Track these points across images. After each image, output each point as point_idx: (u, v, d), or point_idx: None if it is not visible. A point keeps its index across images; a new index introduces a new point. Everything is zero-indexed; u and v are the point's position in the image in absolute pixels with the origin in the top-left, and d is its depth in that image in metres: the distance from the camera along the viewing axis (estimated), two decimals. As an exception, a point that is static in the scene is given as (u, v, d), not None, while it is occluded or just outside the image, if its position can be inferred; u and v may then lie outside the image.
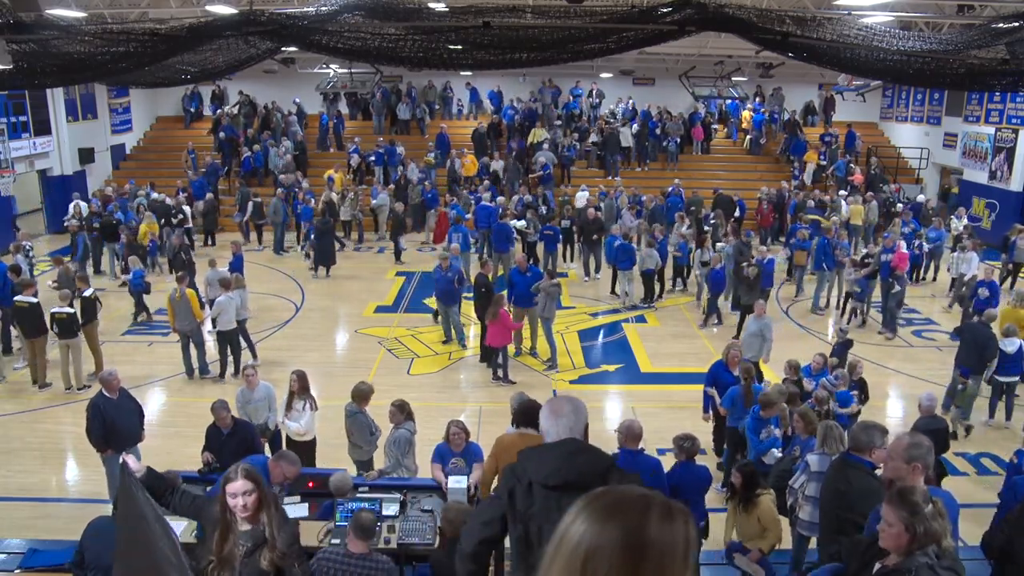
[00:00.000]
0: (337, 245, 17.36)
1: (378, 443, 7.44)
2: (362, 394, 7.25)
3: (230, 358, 11.12)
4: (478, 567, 2.80)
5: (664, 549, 1.24)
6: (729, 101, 23.90)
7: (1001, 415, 9.78)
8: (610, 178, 22.25)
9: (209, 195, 19.43)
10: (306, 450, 7.65)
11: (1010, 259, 15.41)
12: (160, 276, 16.04)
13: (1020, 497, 5.35)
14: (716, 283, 13.55)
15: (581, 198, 19.16)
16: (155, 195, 19.07)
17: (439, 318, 12.84)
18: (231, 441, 6.77)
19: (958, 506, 4.41)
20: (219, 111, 23.99)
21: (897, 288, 13.18)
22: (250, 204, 19.31)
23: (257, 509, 3.50)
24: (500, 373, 11.02)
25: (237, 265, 13.07)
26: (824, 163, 22.53)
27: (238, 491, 3.44)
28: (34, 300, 10.64)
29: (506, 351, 11.03)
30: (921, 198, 20.49)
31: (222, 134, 22.07)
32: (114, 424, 7.29)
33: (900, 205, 19.60)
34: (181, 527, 5.73)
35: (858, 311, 13.66)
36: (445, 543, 5.27)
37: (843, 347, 10.28)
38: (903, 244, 14.17)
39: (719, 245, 15.12)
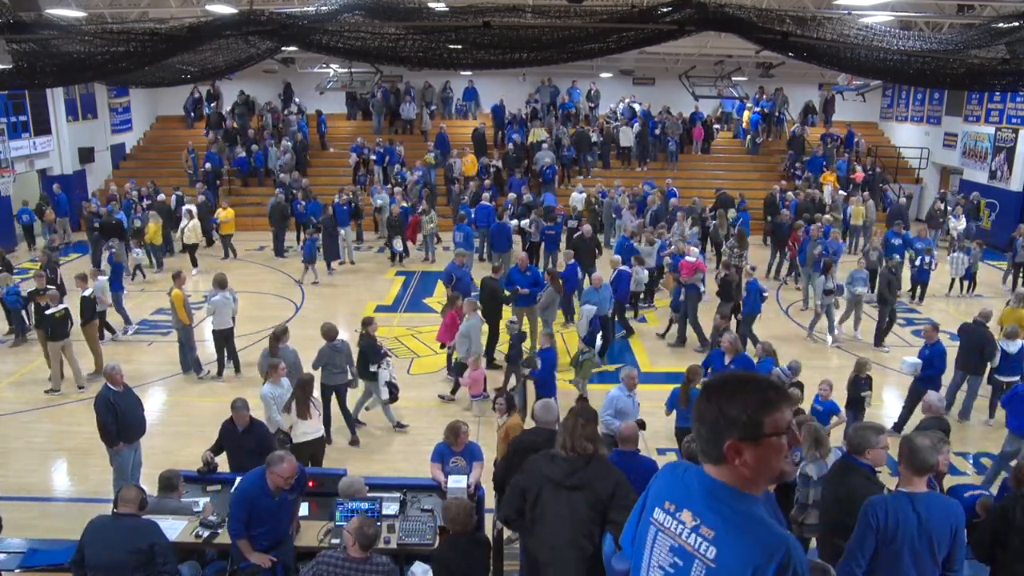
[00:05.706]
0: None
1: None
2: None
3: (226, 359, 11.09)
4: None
5: None
6: (738, 102, 23.86)
7: (1001, 415, 9.77)
8: (580, 178, 22.57)
9: (202, 198, 19.39)
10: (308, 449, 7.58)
11: (1013, 259, 15.42)
12: (165, 276, 16.09)
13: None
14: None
15: (577, 199, 19.16)
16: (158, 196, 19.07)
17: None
18: (247, 439, 6.75)
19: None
20: (215, 123, 23.90)
21: (683, 297, 12.18)
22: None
23: None
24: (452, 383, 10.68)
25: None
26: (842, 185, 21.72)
27: None
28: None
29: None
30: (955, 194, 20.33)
31: (208, 165, 21.67)
32: (124, 417, 7.34)
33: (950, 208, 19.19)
34: (181, 527, 5.73)
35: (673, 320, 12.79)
36: (446, 539, 5.27)
37: (516, 338, 10.57)
38: (692, 250, 12.99)
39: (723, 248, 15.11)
